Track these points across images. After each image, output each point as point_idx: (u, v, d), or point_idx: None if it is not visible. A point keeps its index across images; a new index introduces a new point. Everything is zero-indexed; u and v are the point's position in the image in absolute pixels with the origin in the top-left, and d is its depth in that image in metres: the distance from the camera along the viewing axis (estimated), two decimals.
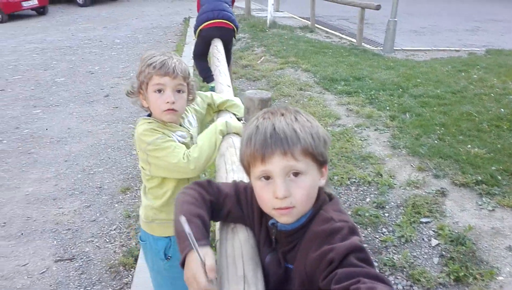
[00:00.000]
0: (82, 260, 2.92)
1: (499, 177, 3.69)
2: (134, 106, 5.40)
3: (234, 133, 1.70)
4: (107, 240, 3.14)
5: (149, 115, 1.66)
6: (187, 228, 0.92)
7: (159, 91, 1.55)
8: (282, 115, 0.96)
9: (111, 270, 2.82)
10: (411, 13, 13.88)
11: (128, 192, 3.82)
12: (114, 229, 3.27)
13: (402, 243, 3.04)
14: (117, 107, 6.00)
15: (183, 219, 0.94)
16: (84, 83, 7.12)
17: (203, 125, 1.96)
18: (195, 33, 5.20)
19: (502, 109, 5.19)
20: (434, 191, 3.57)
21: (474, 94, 5.77)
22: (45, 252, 3.01)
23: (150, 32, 11.43)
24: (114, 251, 3.01)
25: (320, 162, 0.98)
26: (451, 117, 4.99)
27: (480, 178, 3.67)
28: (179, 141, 1.62)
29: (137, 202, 3.64)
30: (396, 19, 8.15)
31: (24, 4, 13.93)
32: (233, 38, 5.27)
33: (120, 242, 3.12)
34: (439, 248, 2.99)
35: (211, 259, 0.95)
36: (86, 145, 4.79)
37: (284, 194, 0.92)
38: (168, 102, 1.54)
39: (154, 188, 1.69)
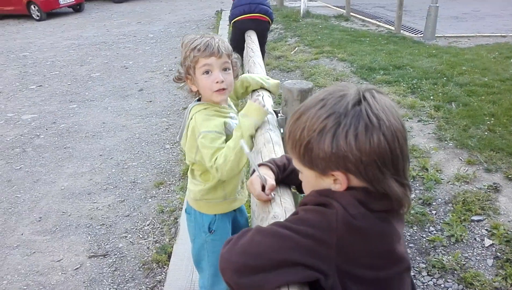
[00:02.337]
0: (116, 256, 2.87)
1: None
2: (168, 100, 5.33)
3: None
4: (141, 236, 3.08)
5: (199, 100, 1.69)
6: (246, 149, 1.16)
7: (207, 72, 1.58)
8: None
9: (144, 267, 2.75)
10: None
11: (162, 187, 3.75)
12: (148, 225, 3.21)
13: (452, 243, 2.81)
14: (151, 101, 5.97)
15: (242, 142, 1.20)
16: (118, 77, 7.16)
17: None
18: (230, 23, 5.09)
19: None
20: (486, 187, 3.30)
21: None
22: (79, 247, 2.98)
23: (183, 26, 11.41)
24: (148, 247, 2.94)
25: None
26: (501, 106, 4.63)
27: None
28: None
29: (170, 197, 3.57)
30: (437, 5, 7.71)
31: (62, 1, 14.23)
32: (268, 30, 5.14)
33: (154, 238, 3.05)
34: (494, 249, 2.74)
35: (271, 179, 1.15)
36: (121, 139, 4.78)
37: None
38: (217, 82, 1.58)
39: (204, 172, 1.75)
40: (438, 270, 2.59)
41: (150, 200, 3.56)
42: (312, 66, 6.48)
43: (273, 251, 0.82)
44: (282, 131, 1.69)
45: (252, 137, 1.58)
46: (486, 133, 4.09)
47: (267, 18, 4.85)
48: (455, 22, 10.09)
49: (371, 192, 0.84)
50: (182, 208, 3.29)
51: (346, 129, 0.80)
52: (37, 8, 13.89)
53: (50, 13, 14.41)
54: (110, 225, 3.20)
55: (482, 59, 6.42)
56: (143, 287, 2.60)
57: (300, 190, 1.20)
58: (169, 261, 2.72)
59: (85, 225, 3.21)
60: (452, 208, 3.11)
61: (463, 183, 3.37)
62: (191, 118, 1.65)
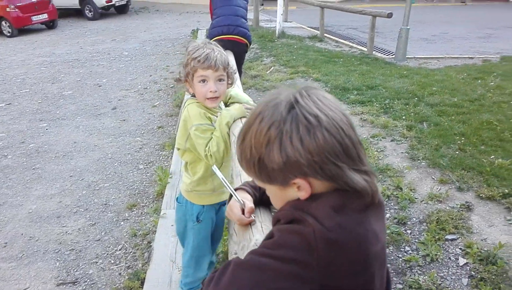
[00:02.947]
0: (86, 283, 2.75)
1: None
2: (142, 119, 5.26)
3: (241, 118, 1.87)
4: (112, 261, 2.97)
5: (193, 95, 1.93)
6: (219, 174, 1.20)
7: (203, 81, 1.81)
8: None
9: None
10: (421, 21, 13.67)
11: (135, 209, 3.65)
12: (120, 249, 3.10)
13: (427, 263, 2.82)
14: (124, 120, 5.87)
15: (214, 167, 1.24)
16: (91, 96, 7.03)
17: None
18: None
19: None
20: (459, 206, 3.35)
21: (493, 102, 5.54)
22: (47, 274, 2.85)
23: (158, 44, 11.38)
24: (120, 274, 2.84)
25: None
26: (470, 126, 4.77)
27: (507, 191, 3.45)
28: None
29: (143, 220, 3.48)
30: (408, 27, 7.96)
31: (34, 18, 14.01)
32: (245, 52, 5.16)
33: (126, 263, 2.94)
34: (468, 267, 2.77)
35: (250, 202, 1.16)
36: (92, 159, 4.66)
37: None
38: (211, 92, 1.81)
39: (192, 164, 1.99)
40: None
41: (122, 223, 3.45)
42: (288, 86, 6.53)
43: (256, 285, 0.78)
44: None
45: (228, 125, 1.81)
46: (457, 152, 4.18)
47: (245, 40, 4.88)
48: (424, 44, 10.43)
49: (342, 192, 0.83)
50: (155, 231, 3.20)
51: (289, 135, 0.79)
52: (8, 24, 13.62)
53: (22, 30, 14.15)
54: (80, 250, 3.08)
55: (451, 80, 6.63)
56: None
57: None
58: (141, 287, 2.62)
59: (53, 250, 3.08)
60: (426, 227, 3.14)
61: (436, 202, 3.41)
62: (185, 109, 1.89)
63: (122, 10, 18.37)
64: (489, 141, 4.38)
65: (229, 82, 1.93)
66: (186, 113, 1.89)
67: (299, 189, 0.84)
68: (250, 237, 1.08)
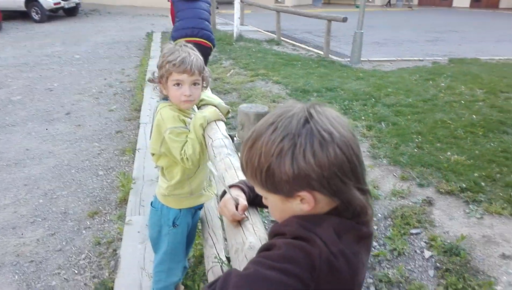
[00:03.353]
0: None
1: (483, 184, 3.66)
2: (99, 124, 5.05)
3: (215, 121, 1.86)
4: (76, 271, 2.82)
5: (165, 98, 1.91)
6: (214, 170, 1.22)
7: (178, 84, 1.78)
8: None
9: None
10: (372, 25, 14.18)
11: (97, 217, 3.49)
12: (83, 259, 2.95)
13: (395, 257, 2.90)
14: (79, 125, 5.63)
15: (209, 164, 1.24)
16: (42, 100, 6.69)
17: None
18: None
19: (474, 116, 5.25)
20: (421, 201, 3.48)
21: (445, 102, 5.82)
22: (6, 289, 2.65)
23: (112, 47, 11.05)
24: (85, 284, 2.69)
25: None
26: (426, 125, 4.98)
27: (464, 185, 3.62)
28: None
29: (106, 227, 3.33)
30: (362, 31, 8.22)
31: None
32: (209, 55, 5.14)
33: (91, 273, 2.80)
34: (433, 259, 2.87)
35: (243, 200, 1.13)
36: (47, 167, 4.42)
37: None
38: (185, 95, 1.78)
39: (168, 168, 1.96)
40: (385, 284, 2.65)
41: (84, 231, 3.29)
42: (249, 89, 6.54)
43: None
44: (239, 155, 1.64)
45: (202, 127, 1.80)
46: (415, 150, 4.35)
47: (209, 44, 4.84)
48: (377, 47, 10.82)
49: (344, 219, 0.85)
50: (121, 239, 3.08)
51: (302, 148, 0.80)
52: None
53: None
54: (41, 262, 2.90)
55: (405, 82, 6.90)
56: None
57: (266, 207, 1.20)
58: None
59: (10, 263, 2.88)
60: (391, 222, 3.23)
61: (399, 198, 3.52)
62: (158, 113, 1.86)
63: (71, 12, 17.70)
64: (444, 138, 4.59)
65: (204, 85, 1.91)
66: (159, 117, 1.85)
67: (302, 202, 0.85)
68: (243, 240, 1.05)
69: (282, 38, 11.15)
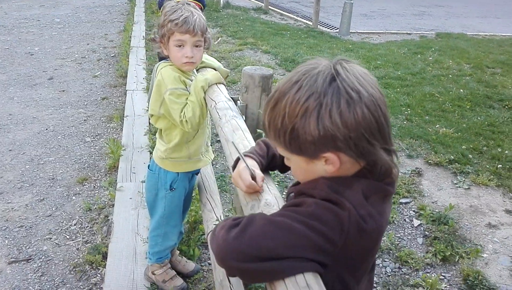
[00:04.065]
0: (41, 260, 2.56)
1: (470, 156, 3.74)
2: (83, 90, 4.91)
3: (216, 84, 1.79)
4: (68, 237, 2.79)
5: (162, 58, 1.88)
6: (231, 138, 1.17)
7: (180, 45, 1.72)
8: None
9: (76, 269, 2.49)
10: None
11: (86, 183, 3.44)
12: (75, 224, 2.92)
13: None
14: (63, 91, 5.47)
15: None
16: (23, 65, 6.45)
17: None
18: (159, 9, 4.82)
19: (461, 90, 5.31)
20: (410, 171, 3.54)
21: (433, 76, 5.86)
22: None
23: (93, 10, 10.67)
24: (77, 249, 2.67)
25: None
26: (415, 98, 5.02)
27: (452, 157, 3.69)
28: None
29: (97, 194, 3.29)
30: (352, 1, 8.13)
31: None
32: None
33: (83, 238, 2.78)
34: (422, 228, 2.95)
35: (259, 170, 1.06)
36: (32, 132, 4.30)
37: None
38: (187, 57, 1.73)
39: (167, 130, 1.92)
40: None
41: (74, 197, 3.25)
42: (238, 57, 6.44)
43: (286, 247, 0.77)
44: (244, 118, 1.62)
45: (204, 90, 1.73)
46: (405, 122, 4.39)
47: (200, 4, 4.69)
48: (364, 20, 10.74)
49: (372, 181, 0.85)
50: (113, 205, 3.05)
51: (329, 108, 0.78)
52: None
53: None
54: (31, 227, 2.85)
55: (393, 54, 6.90)
56: None
57: (283, 171, 1.19)
58: (104, 261, 2.49)
59: (0, 228, 2.83)
60: None
61: None
62: (158, 73, 1.81)
63: None
64: (432, 111, 4.64)
65: (205, 46, 1.84)
66: (159, 77, 1.80)
67: (327, 163, 0.83)
68: (259, 197, 1.04)
69: (269, 7, 10.94)
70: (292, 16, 10.40)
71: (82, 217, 3.00)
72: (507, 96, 5.19)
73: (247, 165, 1.04)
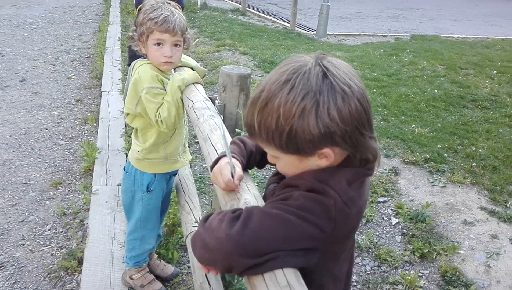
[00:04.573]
0: (13, 267, 2.47)
1: (445, 155, 3.81)
2: (57, 91, 4.79)
3: (194, 83, 1.78)
4: (41, 242, 2.70)
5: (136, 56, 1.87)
6: (221, 131, 1.12)
7: (158, 44, 1.70)
8: None
9: (51, 276, 2.41)
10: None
11: (60, 187, 3.35)
12: (49, 230, 2.83)
13: (364, 224, 2.99)
14: (36, 93, 5.32)
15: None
16: None
17: None
18: (136, 8, 4.75)
19: (436, 90, 5.42)
20: (387, 171, 3.58)
21: (408, 77, 5.97)
22: None
23: (67, 11, 10.45)
24: (52, 254, 2.59)
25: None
26: (391, 98, 5.09)
27: (428, 156, 3.75)
28: None
29: (71, 198, 3.20)
30: (329, 4, 8.21)
31: None
32: None
33: (58, 243, 2.69)
34: (400, 226, 2.98)
35: (240, 169, 1.04)
36: (4, 135, 4.16)
37: None
38: (166, 56, 1.70)
39: (143, 130, 1.88)
40: (355, 249, 2.72)
41: (47, 202, 3.15)
42: (215, 59, 6.41)
43: (283, 239, 0.79)
44: (222, 118, 1.60)
45: (180, 89, 1.71)
46: (381, 122, 4.45)
47: (178, 5, 4.65)
48: (341, 22, 10.87)
49: (355, 168, 0.87)
50: (88, 209, 2.97)
51: (326, 106, 0.77)
52: None
53: None
54: (2, 233, 2.75)
55: (369, 56, 7.00)
56: None
57: (260, 167, 1.20)
58: (80, 267, 2.42)
59: None
60: None
61: None
62: (135, 71, 1.77)
63: None
64: (408, 112, 4.72)
65: (185, 46, 1.82)
66: (136, 75, 1.76)
67: (320, 157, 0.84)
68: (238, 196, 1.02)
69: (247, 9, 10.95)
70: (269, 18, 10.43)
71: (56, 222, 2.91)
72: (480, 96, 5.33)
73: (230, 161, 1.02)
